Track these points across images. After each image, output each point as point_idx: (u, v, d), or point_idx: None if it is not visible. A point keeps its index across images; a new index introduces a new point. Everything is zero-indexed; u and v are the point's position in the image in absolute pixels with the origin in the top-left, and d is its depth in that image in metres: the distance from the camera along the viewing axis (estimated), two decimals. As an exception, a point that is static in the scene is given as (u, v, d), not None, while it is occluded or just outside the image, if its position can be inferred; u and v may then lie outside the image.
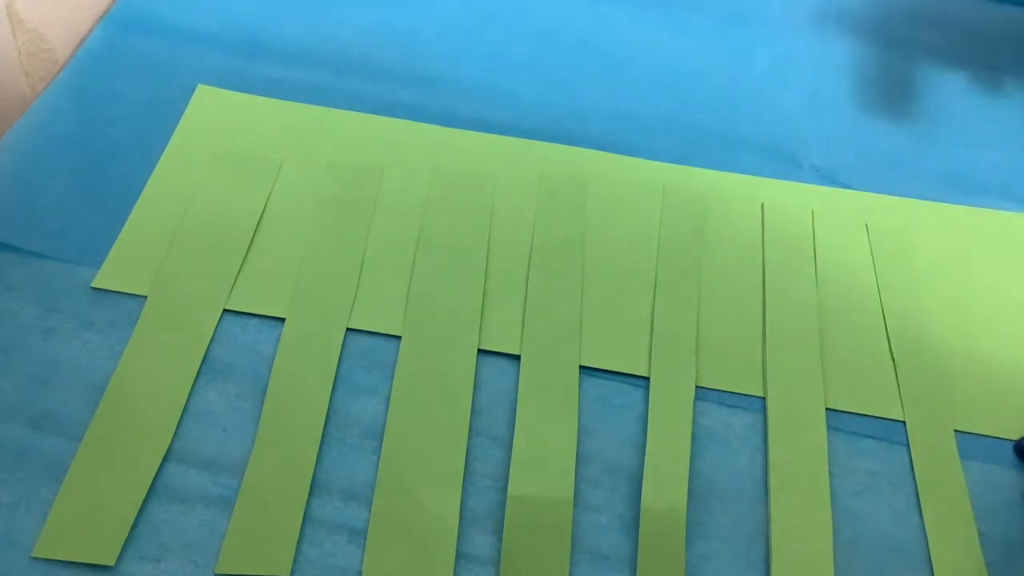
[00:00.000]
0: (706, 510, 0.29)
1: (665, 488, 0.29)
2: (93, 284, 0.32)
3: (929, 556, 0.28)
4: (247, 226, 0.34)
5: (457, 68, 0.41)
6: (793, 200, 0.37)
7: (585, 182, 0.37)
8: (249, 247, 0.34)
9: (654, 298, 0.33)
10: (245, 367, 0.31)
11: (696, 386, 0.31)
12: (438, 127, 0.39)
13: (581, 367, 0.31)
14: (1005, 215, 0.37)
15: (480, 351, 0.32)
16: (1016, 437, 0.31)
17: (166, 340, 0.31)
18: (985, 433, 0.31)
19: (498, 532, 0.28)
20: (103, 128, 0.38)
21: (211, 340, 0.31)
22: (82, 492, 0.27)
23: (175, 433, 0.29)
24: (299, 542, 0.27)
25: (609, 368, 0.32)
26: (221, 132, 0.38)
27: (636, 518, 0.28)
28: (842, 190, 0.38)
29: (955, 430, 0.31)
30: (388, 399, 0.30)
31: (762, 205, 0.37)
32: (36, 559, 0.26)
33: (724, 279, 0.34)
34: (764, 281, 0.34)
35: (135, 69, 0.40)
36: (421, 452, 0.29)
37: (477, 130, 0.39)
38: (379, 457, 0.29)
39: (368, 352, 0.32)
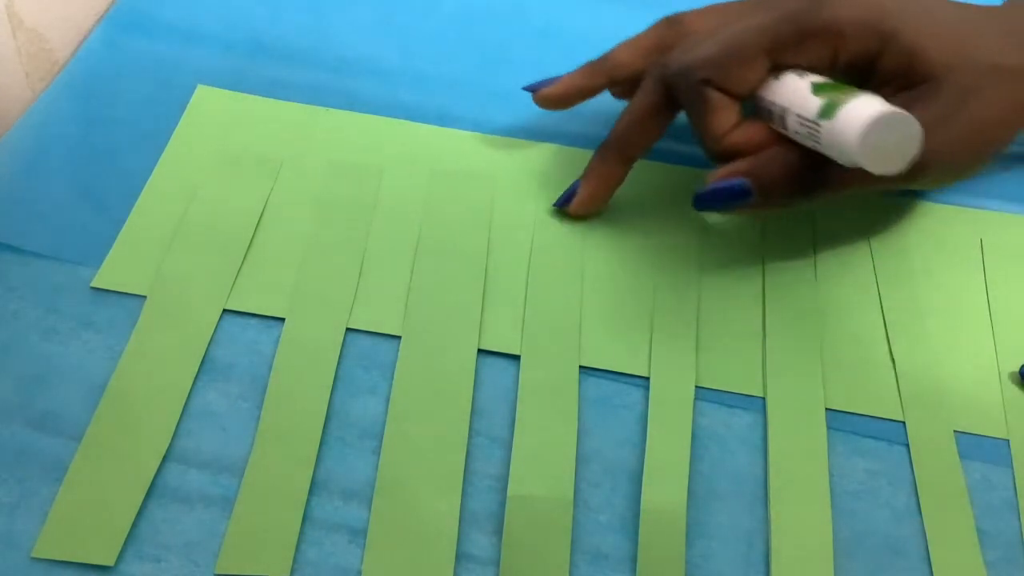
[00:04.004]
0: (706, 510, 0.29)
1: (665, 488, 0.29)
2: (93, 284, 0.32)
3: (929, 556, 0.28)
4: (247, 226, 0.34)
5: (457, 68, 0.41)
6: (793, 200, 0.37)
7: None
8: (249, 247, 0.34)
9: (654, 298, 0.33)
10: (245, 367, 0.31)
11: (696, 386, 0.31)
12: (438, 127, 0.39)
13: (581, 367, 0.32)
14: (1005, 216, 0.37)
15: (480, 351, 0.32)
16: (1016, 438, 0.31)
17: (166, 340, 0.31)
18: (985, 433, 0.31)
19: (498, 532, 0.28)
20: (103, 128, 0.38)
21: (211, 340, 0.31)
22: (82, 492, 0.27)
23: (175, 433, 0.29)
24: (299, 542, 0.27)
25: (609, 368, 0.32)
26: (221, 132, 0.38)
27: (636, 518, 0.28)
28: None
29: (955, 430, 0.31)
30: (388, 399, 0.30)
31: (762, 205, 0.37)
32: (36, 559, 0.26)
33: (724, 279, 0.34)
34: (764, 281, 0.34)
35: (135, 69, 0.40)
36: (421, 452, 0.29)
37: (477, 130, 0.39)
38: (379, 457, 0.29)
39: (368, 352, 0.32)
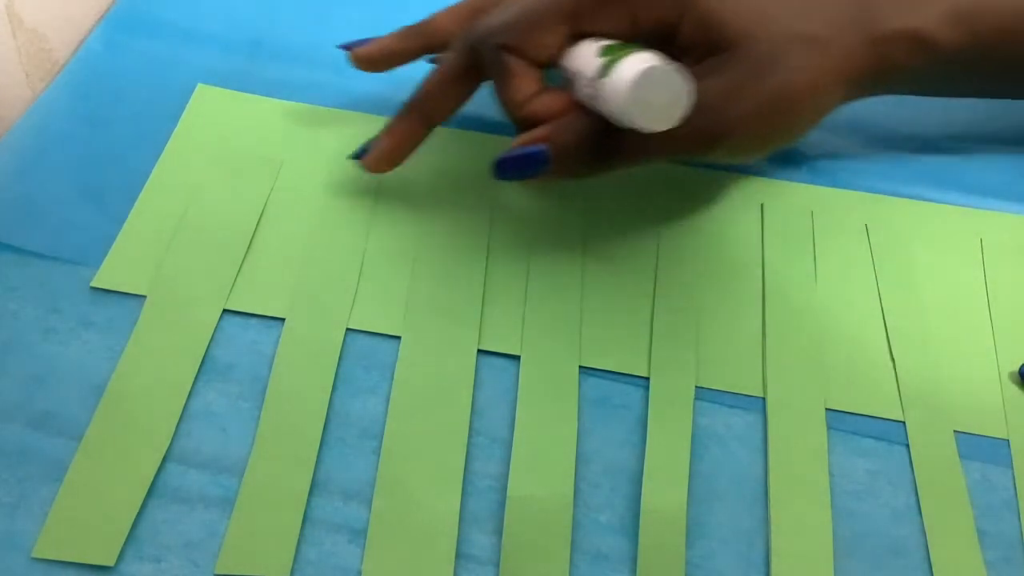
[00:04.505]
0: (706, 510, 0.29)
1: (665, 488, 0.29)
2: (92, 284, 0.32)
3: (929, 556, 0.28)
4: (247, 226, 0.34)
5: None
6: (793, 200, 0.37)
7: (585, 182, 0.37)
8: (249, 247, 0.34)
9: (654, 298, 0.33)
10: (245, 367, 0.31)
11: (696, 386, 0.31)
12: (438, 127, 0.39)
13: (581, 367, 0.31)
14: (1005, 216, 0.37)
15: (480, 351, 0.32)
16: (1016, 438, 0.31)
17: (166, 340, 0.31)
18: (985, 433, 0.31)
19: (498, 532, 0.28)
20: (103, 128, 0.38)
21: (211, 340, 0.31)
22: (82, 492, 0.27)
23: (175, 433, 0.29)
24: (299, 542, 0.27)
25: (609, 368, 0.32)
26: (221, 132, 0.38)
27: (636, 518, 0.28)
28: (842, 190, 0.38)
29: (955, 430, 0.31)
30: (388, 399, 0.30)
31: (761, 205, 0.37)
32: (36, 559, 0.26)
33: (724, 279, 0.34)
34: (764, 281, 0.34)
35: (135, 69, 0.40)
36: (421, 452, 0.29)
37: (477, 130, 0.39)
38: (379, 457, 0.29)
39: (368, 352, 0.32)
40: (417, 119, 0.34)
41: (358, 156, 0.35)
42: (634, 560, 0.27)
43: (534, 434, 0.29)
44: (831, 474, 0.30)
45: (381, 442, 0.29)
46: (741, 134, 0.31)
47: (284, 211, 0.35)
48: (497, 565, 0.27)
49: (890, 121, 0.41)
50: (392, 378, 0.31)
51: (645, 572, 0.27)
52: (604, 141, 0.30)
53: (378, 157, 0.35)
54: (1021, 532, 0.29)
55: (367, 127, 0.38)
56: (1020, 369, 0.32)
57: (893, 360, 0.32)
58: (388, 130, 0.35)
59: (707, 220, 0.36)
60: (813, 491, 0.29)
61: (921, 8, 0.33)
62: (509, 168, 0.31)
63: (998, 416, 0.31)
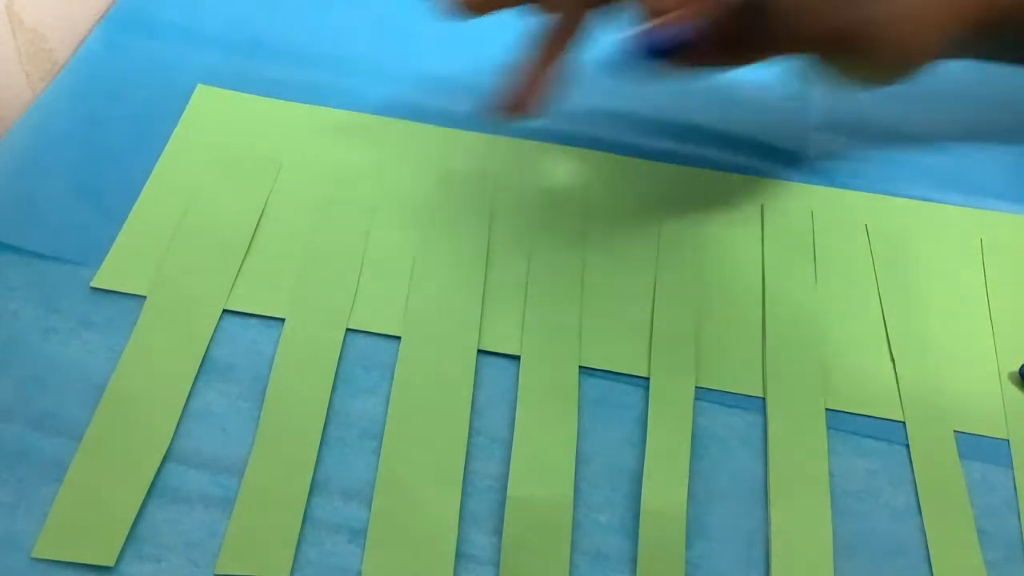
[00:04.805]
0: (706, 510, 0.29)
1: (665, 488, 0.29)
2: (92, 284, 0.32)
3: (929, 556, 0.28)
4: (247, 226, 0.34)
5: (456, 68, 0.41)
6: (793, 200, 0.37)
7: (586, 182, 0.37)
8: (249, 247, 0.34)
9: (654, 298, 0.33)
10: (245, 367, 0.31)
11: (696, 386, 0.31)
12: (438, 127, 0.39)
13: (581, 367, 0.31)
14: (1005, 216, 0.37)
15: (480, 351, 0.32)
16: (1016, 438, 0.31)
17: (166, 340, 0.31)
18: (985, 433, 0.31)
19: (498, 532, 0.28)
20: (103, 128, 0.38)
21: (211, 340, 0.31)
22: (82, 492, 0.27)
23: (175, 433, 0.29)
24: (299, 542, 0.27)
25: (609, 368, 0.32)
26: (221, 132, 0.38)
27: (636, 518, 0.28)
28: (842, 190, 0.38)
29: (955, 430, 0.31)
30: (388, 399, 0.30)
31: (761, 206, 0.37)
32: (36, 559, 0.26)
33: (724, 279, 0.34)
34: (764, 281, 0.34)
35: (135, 69, 0.40)
36: (421, 452, 0.29)
37: (477, 130, 0.39)
38: (379, 457, 0.29)
39: (368, 352, 0.32)
40: (547, 52, 0.32)
41: (492, 107, 0.32)
42: (634, 560, 0.27)
43: (534, 434, 0.29)
44: (831, 474, 0.30)
45: (381, 442, 0.29)
46: (888, 40, 0.29)
47: (284, 211, 0.35)
48: (497, 565, 0.27)
49: (890, 121, 0.41)
50: (392, 378, 0.31)
51: (645, 572, 0.27)
52: (737, 33, 0.30)
53: (517, 100, 0.32)
54: (1021, 532, 0.29)
55: (367, 127, 0.38)
56: (1020, 369, 0.32)
57: (893, 360, 0.32)
58: (520, 71, 0.32)
59: (707, 220, 0.36)
60: (813, 491, 0.29)
61: None
62: (651, 47, 0.29)
63: (998, 416, 0.31)
